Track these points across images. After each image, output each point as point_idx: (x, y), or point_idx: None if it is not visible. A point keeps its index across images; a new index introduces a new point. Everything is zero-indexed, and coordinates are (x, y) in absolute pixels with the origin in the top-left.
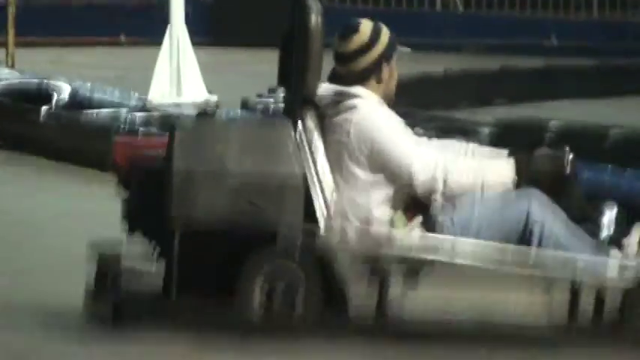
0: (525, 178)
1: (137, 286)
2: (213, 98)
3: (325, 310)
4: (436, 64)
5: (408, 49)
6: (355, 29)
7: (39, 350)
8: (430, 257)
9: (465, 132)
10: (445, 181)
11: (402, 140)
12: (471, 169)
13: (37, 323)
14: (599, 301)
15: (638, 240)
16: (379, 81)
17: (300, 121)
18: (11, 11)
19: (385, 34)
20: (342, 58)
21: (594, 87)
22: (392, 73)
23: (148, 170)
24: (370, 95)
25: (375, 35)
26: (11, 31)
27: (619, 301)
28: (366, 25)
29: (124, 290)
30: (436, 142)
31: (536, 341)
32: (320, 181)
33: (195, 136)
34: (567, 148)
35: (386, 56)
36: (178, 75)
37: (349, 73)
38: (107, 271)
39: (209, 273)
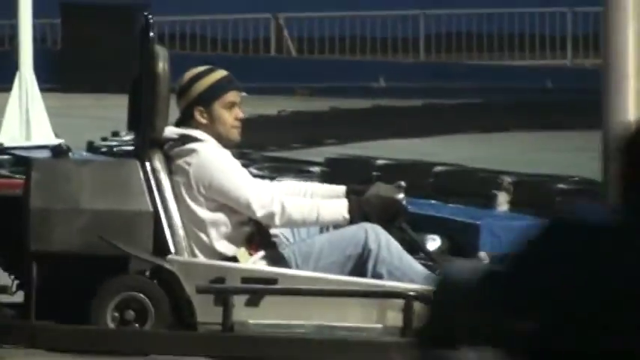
0: (359, 215)
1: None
2: (60, 141)
3: (174, 328)
4: (271, 107)
5: (244, 93)
6: (184, 75)
7: None
8: (270, 287)
9: (298, 171)
10: (282, 216)
11: (239, 180)
12: (306, 206)
13: None
14: None
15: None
16: (202, 121)
17: (148, 162)
18: None
19: (207, 80)
20: (176, 100)
21: (420, 125)
22: (220, 116)
23: (7, 208)
24: (209, 138)
25: (193, 81)
26: None
27: None
28: (191, 71)
29: None
30: (278, 184)
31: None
32: (168, 218)
33: (50, 176)
34: (402, 184)
35: (201, 100)
36: (27, 119)
37: (181, 113)
38: None
39: (65, 300)
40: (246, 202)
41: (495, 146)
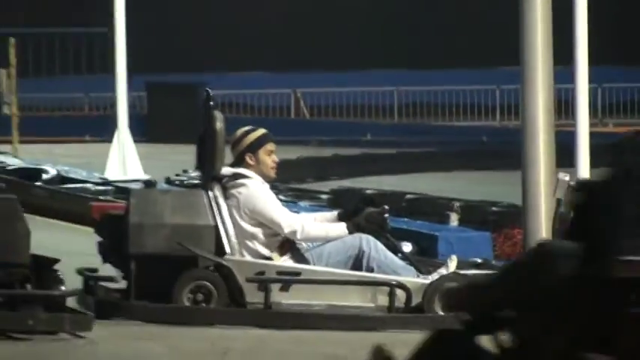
0: (352, 230)
1: (108, 292)
2: (148, 177)
3: (230, 305)
4: (292, 154)
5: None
6: (235, 133)
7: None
8: (294, 277)
9: (311, 197)
10: (301, 233)
11: (273, 207)
12: (318, 228)
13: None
14: (408, 297)
15: (450, 266)
16: (250, 164)
17: (210, 192)
18: (15, 120)
19: (254, 135)
20: (230, 148)
21: (395, 167)
22: (262, 160)
23: (114, 223)
24: (255, 176)
25: (243, 135)
26: (15, 132)
27: (420, 298)
28: (241, 129)
29: (100, 294)
30: (303, 214)
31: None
32: (225, 230)
33: (143, 200)
34: (386, 207)
35: (251, 149)
36: (124, 161)
37: (234, 158)
38: (89, 282)
39: (155, 286)
40: (277, 223)
41: (448, 181)
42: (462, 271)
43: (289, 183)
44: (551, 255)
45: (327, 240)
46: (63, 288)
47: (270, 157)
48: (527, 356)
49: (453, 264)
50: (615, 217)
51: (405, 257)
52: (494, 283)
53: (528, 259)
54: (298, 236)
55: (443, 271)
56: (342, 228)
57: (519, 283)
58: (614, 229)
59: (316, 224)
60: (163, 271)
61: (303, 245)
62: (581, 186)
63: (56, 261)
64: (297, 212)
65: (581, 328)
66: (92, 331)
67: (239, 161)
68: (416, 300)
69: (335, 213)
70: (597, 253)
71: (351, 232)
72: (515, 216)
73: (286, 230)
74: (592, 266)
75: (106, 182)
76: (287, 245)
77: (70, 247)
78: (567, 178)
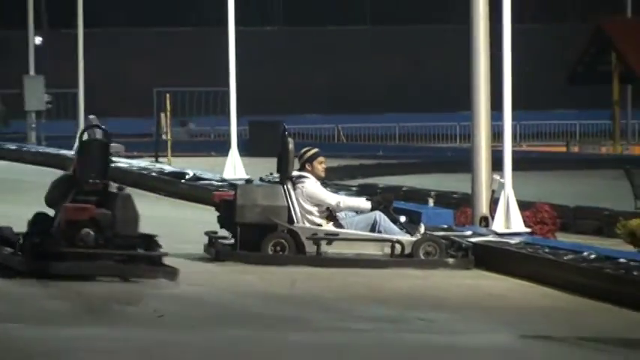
0: (374, 206)
1: (223, 245)
2: (249, 177)
3: (296, 254)
4: (334, 163)
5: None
6: (300, 151)
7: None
8: (335, 236)
9: (347, 190)
10: (342, 203)
11: (324, 193)
12: (352, 201)
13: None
14: (402, 249)
15: (423, 230)
16: (308, 169)
17: (285, 185)
18: (169, 143)
19: (311, 152)
20: (297, 160)
21: (397, 171)
22: (316, 167)
23: (228, 204)
24: (311, 177)
25: (305, 152)
26: (169, 150)
27: (410, 249)
28: (304, 149)
29: (219, 246)
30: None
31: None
32: (294, 208)
33: (245, 191)
34: (392, 194)
35: (309, 160)
36: (234, 167)
37: (299, 166)
38: (212, 239)
39: (251, 242)
40: (327, 200)
41: (427, 179)
42: (434, 233)
43: (333, 181)
44: None
45: (356, 211)
46: (161, 250)
47: (320, 165)
48: None
49: (422, 229)
50: None
51: (401, 225)
52: None
53: None
54: (341, 205)
55: (419, 234)
56: (366, 204)
57: None
58: None
59: (350, 199)
60: (256, 233)
61: (341, 216)
62: None
63: (155, 235)
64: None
65: None
66: (212, 266)
67: (302, 168)
68: (407, 250)
69: (363, 198)
70: None
71: (372, 208)
72: (467, 200)
73: (333, 202)
74: None
75: (223, 180)
76: (330, 217)
77: (200, 219)
78: (498, 177)
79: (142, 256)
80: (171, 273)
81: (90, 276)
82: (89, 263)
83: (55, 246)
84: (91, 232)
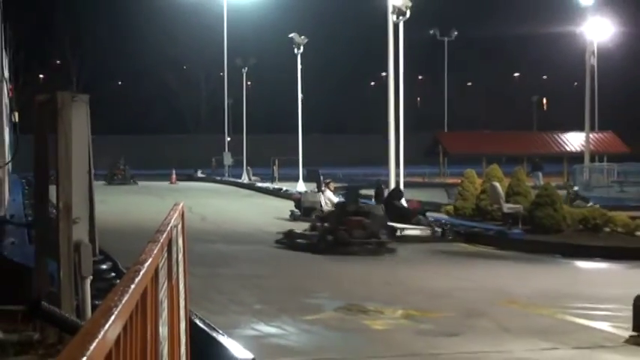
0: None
1: (299, 236)
2: (306, 189)
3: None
4: (340, 183)
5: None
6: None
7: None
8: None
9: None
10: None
11: (333, 198)
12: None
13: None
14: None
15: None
16: (328, 187)
17: (321, 193)
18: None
19: (327, 180)
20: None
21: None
22: (330, 186)
23: (298, 199)
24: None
25: (324, 179)
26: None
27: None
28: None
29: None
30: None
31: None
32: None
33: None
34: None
35: (327, 184)
36: (302, 185)
37: (324, 185)
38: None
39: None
40: (333, 201)
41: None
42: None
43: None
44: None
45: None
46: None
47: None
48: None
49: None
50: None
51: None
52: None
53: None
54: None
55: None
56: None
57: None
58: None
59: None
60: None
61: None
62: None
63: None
64: None
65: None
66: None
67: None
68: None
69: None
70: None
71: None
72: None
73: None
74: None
75: (298, 192)
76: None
77: (289, 205)
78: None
79: (381, 242)
80: (393, 251)
81: (356, 253)
82: (359, 248)
83: (344, 238)
84: (360, 230)
